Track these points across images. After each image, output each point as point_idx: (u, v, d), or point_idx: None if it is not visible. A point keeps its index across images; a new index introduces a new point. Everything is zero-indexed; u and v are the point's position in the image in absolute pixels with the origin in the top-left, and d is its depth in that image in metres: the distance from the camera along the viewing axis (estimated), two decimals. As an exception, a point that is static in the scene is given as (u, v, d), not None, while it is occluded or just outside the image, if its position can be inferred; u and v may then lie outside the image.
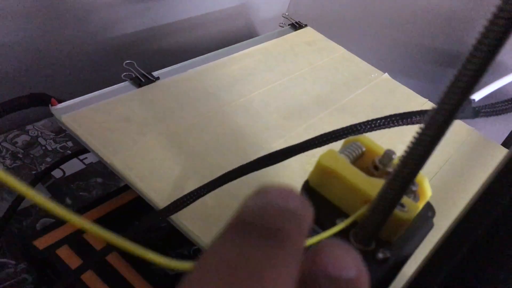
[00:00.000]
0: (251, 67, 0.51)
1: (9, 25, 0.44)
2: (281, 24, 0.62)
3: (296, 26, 0.61)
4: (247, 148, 0.41)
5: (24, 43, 0.46)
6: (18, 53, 0.46)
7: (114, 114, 0.39)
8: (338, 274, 0.12)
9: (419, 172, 0.18)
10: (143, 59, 0.48)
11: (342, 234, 0.20)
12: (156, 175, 0.35)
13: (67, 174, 0.46)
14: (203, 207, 0.34)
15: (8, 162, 0.45)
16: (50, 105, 0.38)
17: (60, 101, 0.39)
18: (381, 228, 0.19)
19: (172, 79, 0.45)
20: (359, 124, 0.29)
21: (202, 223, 0.33)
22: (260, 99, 0.47)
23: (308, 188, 0.22)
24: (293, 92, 0.49)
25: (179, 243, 0.43)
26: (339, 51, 0.59)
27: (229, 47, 0.52)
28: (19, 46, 0.45)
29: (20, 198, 0.38)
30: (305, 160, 0.42)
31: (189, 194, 0.33)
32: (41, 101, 0.39)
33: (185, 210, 0.32)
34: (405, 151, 0.17)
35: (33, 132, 0.49)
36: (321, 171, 0.22)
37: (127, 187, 0.45)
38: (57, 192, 0.44)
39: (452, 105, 0.15)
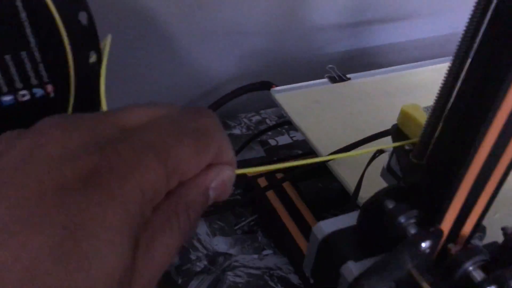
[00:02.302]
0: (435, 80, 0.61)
1: (251, 41, 0.65)
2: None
3: None
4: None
5: (261, 53, 0.66)
6: (257, 59, 0.67)
7: (311, 98, 0.55)
8: None
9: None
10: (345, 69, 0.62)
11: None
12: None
13: (279, 143, 0.65)
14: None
15: (244, 130, 0.66)
16: (271, 88, 0.57)
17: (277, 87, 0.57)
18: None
19: (361, 80, 0.59)
20: None
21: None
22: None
23: (396, 127, 0.34)
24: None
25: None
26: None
27: (418, 62, 0.63)
28: (258, 54, 0.66)
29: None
30: None
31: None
32: (267, 86, 0.58)
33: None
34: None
35: (264, 115, 0.70)
36: (403, 114, 0.33)
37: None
38: (270, 155, 0.63)
39: None
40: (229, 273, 0.48)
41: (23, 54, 0.21)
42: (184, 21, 0.58)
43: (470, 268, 0.28)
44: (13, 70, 0.21)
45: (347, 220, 0.31)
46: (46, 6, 0.20)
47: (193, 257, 0.50)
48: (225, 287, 0.47)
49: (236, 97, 0.59)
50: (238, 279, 0.48)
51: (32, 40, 0.21)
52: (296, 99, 0.54)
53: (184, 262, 0.49)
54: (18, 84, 0.22)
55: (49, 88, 0.22)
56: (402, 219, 0.28)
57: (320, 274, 0.32)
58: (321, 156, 0.47)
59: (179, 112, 0.19)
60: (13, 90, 0.22)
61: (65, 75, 0.23)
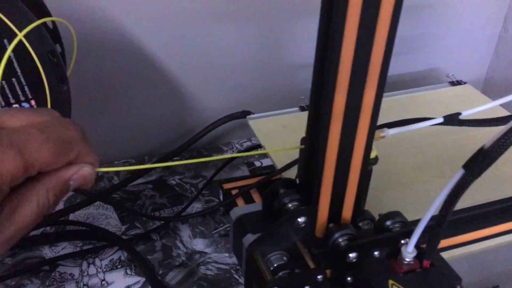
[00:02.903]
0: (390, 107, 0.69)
1: (238, 77, 0.76)
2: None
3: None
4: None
5: (246, 87, 0.77)
6: (243, 93, 0.78)
7: (279, 123, 0.65)
8: None
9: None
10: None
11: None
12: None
13: (263, 165, 0.74)
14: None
15: (234, 152, 0.77)
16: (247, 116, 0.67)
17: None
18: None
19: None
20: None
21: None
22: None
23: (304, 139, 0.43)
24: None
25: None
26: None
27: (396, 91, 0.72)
28: (244, 89, 0.78)
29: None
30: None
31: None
32: (246, 114, 0.69)
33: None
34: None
35: (254, 141, 0.80)
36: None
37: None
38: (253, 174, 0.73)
39: None
40: (202, 267, 0.58)
41: (14, 79, 0.33)
42: (180, 61, 0.71)
43: (339, 239, 0.37)
44: (7, 90, 0.33)
45: (257, 206, 0.41)
46: (26, 48, 0.32)
47: (174, 254, 0.60)
48: (197, 278, 0.57)
49: (222, 124, 0.71)
50: (208, 272, 0.57)
51: (18, 70, 0.33)
52: (266, 124, 0.64)
53: (166, 258, 0.59)
54: (12, 100, 0.34)
55: (33, 102, 0.34)
56: (286, 200, 0.37)
57: (236, 249, 0.41)
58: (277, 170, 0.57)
59: (54, 122, 0.26)
60: (8, 104, 0.34)
61: (43, 93, 0.34)
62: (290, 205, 0.37)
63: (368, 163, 0.37)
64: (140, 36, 0.66)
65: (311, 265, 0.36)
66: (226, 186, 0.64)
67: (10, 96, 0.33)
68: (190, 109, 0.75)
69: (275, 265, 0.37)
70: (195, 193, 0.69)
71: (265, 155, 0.76)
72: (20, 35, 0.31)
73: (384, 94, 0.70)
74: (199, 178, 0.72)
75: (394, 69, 0.85)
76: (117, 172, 0.72)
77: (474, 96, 0.72)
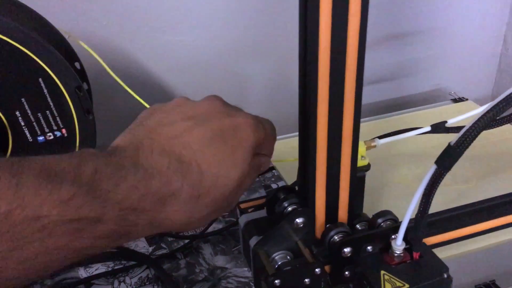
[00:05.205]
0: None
1: (254, 106, 0.82)
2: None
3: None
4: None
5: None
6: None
7: (289, 145, 0.70)
8: None
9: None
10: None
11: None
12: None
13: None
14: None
15: (252, 178, 0.82)
16: (261, 140, 0.72)
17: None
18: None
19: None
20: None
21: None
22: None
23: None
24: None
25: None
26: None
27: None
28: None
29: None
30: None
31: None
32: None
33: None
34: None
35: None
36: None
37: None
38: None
39: None
40: (223, 281, 0.62)
41: (48, 112, 0.39)
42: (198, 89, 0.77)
43: (335, 236, 0.41)
44: (43, 121, 0.40)
45: (263, 213, 0.46)
46: (58, 86, 0.38)
47: (197, 270, 0.64)
48: (218, 291, 0.61)
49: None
50: (229, 285, 0.62)
51: (51, 104, 0.39)
52: (278, 146, 0.69)
53: (189, 274, 0.64)
54: (46, 129, 0.40)
55: (64, 131, 0.41)
56: (286, 204, 0.42)
57: (245, 252, 0.46)
58: (286, 185, 0.61)
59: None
60: (43, 133, 0.40)
61: (72, 123, 0.41)
62: (289, 208, 0.42)
63: (356, 170, 0.41)
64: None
65: (310, 260, 0.40)
66: (243, 205, 0.69)
67: (45, 126, 0.40)
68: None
69: (279, 263, 0.41)
70: (216, 215, 0.74)
71: (281, 178, 0.81)
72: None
73: (387, 114, 0.75)
74: (219, 201, 0.77)
75: (403, 91, 0.89)
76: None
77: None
